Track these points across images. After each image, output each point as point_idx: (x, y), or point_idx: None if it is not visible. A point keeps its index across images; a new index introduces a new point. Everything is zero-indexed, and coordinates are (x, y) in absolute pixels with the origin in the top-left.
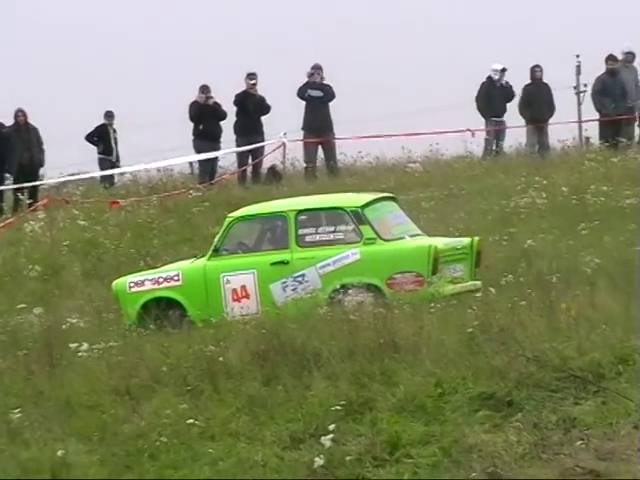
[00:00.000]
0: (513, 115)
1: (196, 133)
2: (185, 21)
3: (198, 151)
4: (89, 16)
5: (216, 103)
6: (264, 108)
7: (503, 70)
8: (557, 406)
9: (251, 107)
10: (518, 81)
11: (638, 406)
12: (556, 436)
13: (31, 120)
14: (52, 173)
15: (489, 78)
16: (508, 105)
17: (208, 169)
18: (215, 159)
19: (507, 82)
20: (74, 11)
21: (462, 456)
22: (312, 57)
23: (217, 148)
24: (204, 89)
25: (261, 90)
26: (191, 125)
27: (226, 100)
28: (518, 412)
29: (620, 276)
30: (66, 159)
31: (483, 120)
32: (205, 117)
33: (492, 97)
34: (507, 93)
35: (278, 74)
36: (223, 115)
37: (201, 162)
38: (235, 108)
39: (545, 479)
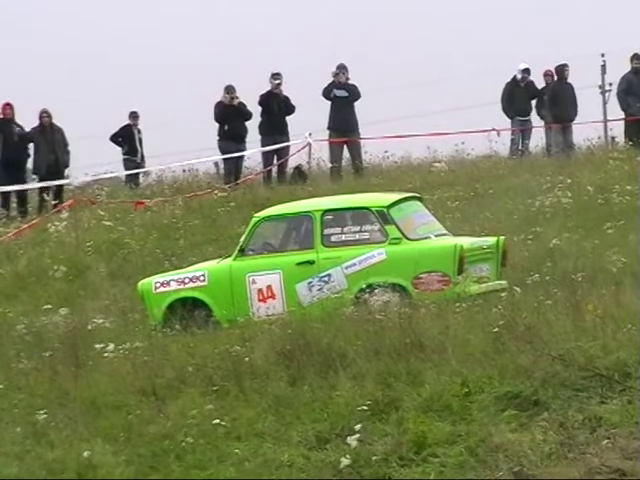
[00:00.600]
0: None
1: (221, 133)
2: (210, 21)
3: (223, 151)
4: (115, 16)
5: (241, 103)
6: (289, 108)
7: (526, 70)
8: (583, 405)
9: (276, 107)
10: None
11: None
12: (582, 435)
13: (56, 121)
14: (77, 174)
15: (513, 78)
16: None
17: (233, 169)
18: (240, 159)
19: (531, 81)
20: (100, 11)
21: (488, 455)
22: (337, 57)
23: (242, 148)
24: (229, 89)
25: (286, 90)
26: (216, 126)
27: (251, 100)
28: (544, 411)
29: None
30: (92, 160)
31: (509, 120)
32: (230, 117)
33: (516, 97)
34: (531, 92)
35: (304, 74)
36: (248, 115)
37: (226, 162)
38: (260, 108)
39: (571, 478)
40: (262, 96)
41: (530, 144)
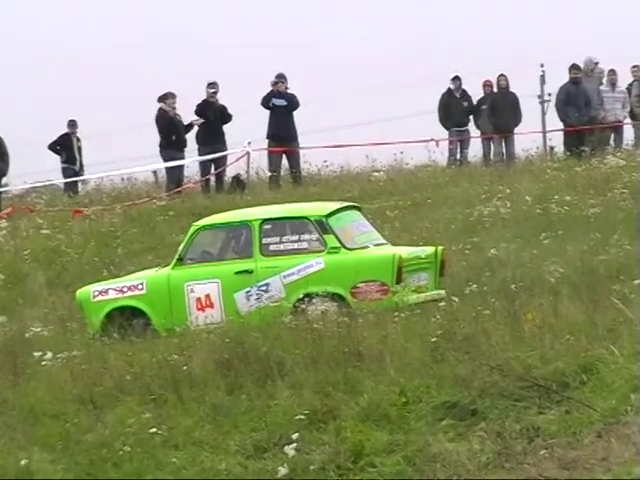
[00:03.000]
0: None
1: (163, 143)
2: (149, 28)
3: (166, 160)
4: (53, 25)
5: (177, 115)
6: (225, 117)
7: (456, 77)
8: (521, 415)
9: (212, 116)
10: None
11: (601, 415)
12: (520, 445)
13: None
14: (16, 182)
15: (448, 89)
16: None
17: (176, 178)
18: (182, 167)
19: (464, 91)
20: (35, 18)
21: (426, 465)
22: (276, 66)
23: (183, 157)
24: (168, 96)
25: (224, 99)
26: (155, 135)
27: (188, 110)
28: (482, 421)
29: (584, 285)
30: (31, 168)
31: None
32: (175, 127)
33: (452, 107)
34: (466, 102)
35: (242, 83)
36: (189, 128)
37: (170, 171)
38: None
39: None
40: (198, 105)
41: (469, 154)
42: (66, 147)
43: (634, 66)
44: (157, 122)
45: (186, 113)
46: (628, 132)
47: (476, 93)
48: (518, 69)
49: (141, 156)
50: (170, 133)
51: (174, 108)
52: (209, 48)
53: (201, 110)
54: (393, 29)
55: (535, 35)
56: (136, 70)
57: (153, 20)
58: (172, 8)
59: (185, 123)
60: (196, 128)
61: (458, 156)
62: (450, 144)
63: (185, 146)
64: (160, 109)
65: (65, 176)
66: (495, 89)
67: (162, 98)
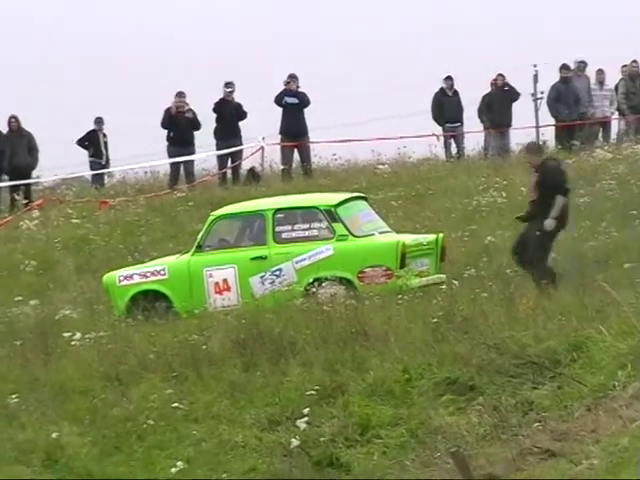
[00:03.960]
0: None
1: (167, 139)
2: (169, 30)
3: (169, 156)
4: (80, 22)
5: (191, 111)
6: (240, 114)
7: (448, 78)
8: (516, 390)
9: (228, 114)
10: (483, 88)
11: (591, 390)
12: (515, 418)
13: (27, 126)
14: (47, 175)
15: (441, 88)
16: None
17: (177, 173)
18: (190, 163)
19: (456, 90)
20: (66, 19)
21: (428, 437)
22: (288, 67)
23: (189, 152)
24: (179, 94)
25: (240, 97)
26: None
27: (207, 108)
28: (480, 396)
29: (574, 270)
30: (61, 162)
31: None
32: (175, 124)
33: (445, 105)
34: (458, 100)
35: (257, 82)
36: (196, 124)
37: (170, 166)
38: (214, 115)
39: (504, 458)
40: (216, 104)
41: (466, 148)
42: (93, 142)
43: (624, 65)
44: (161, 119)
45: (204, 110)
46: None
47: (468, 90)
48: (514, 70)
49: (163, 151)
50: (169, 130)
51: (183, 105)
52: (226, 51)
53: (218, 108)
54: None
55: (528, 37)
56: (158, 70)
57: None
58: (190, 13)
59: (197, 121)
60: (214, 124)
61: (454, 151)
62: (444, 139)
63: (189, 143)
64: (167, 107)
65: (92, 169)
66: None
67: (175, 96)
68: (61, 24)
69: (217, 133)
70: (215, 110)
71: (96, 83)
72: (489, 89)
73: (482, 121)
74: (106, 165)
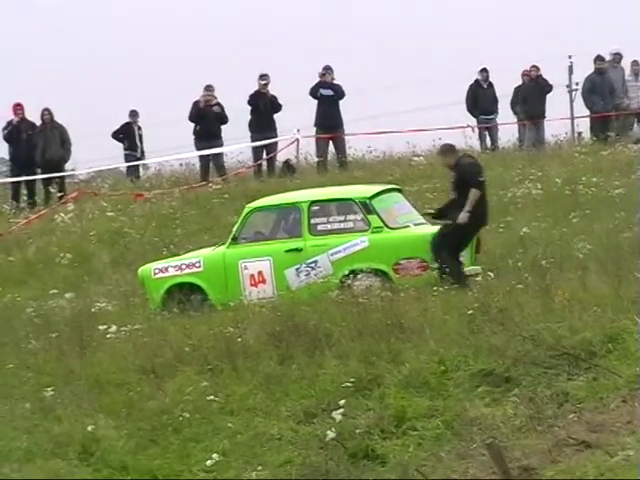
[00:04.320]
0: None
1: (194, 132)
2: (199, 23)
3: (197, 149)
4: (114, 17)
5: (219, 105)
6: (275, 107)
7: (484, 70)
8: (551, 382)
9: (262, 106)
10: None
11: (626, 381)
12: (550, 410)
13: (58, 119)
14: (82, 168)
15: (476, 80)
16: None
17: (206, 166)
18: (220, 155)
19: (491, 82)
20: (101, 16)
21: (463, 429)
22: (324, 58)
23: (217, 146)
24: (208, 88)
25: (275, 90)
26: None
27: (242, 100)
28: (515, 387)
29: (610, 261)
30: (97, 155)
31: (474, 119)
32: (202, 118)
33: (479, 97)
34: (492, 92)
35: (293, 74)
36: (224, 119)
37: (199, 159)
38: (249, 107)
39: (540, 450)
40: (251, 96)
41: (501, 139)
42: (128, 135)
43: None
44: (189, 112)
45: (238, 103)
46: None
47: (502, 82)
48: (549, 61)
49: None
50: (196, 123)
51: (211, 99)
52: (262, 43)
53: (253, 100)
54: (429, 26)
55: (563, 29)
56: (195, 63)
57: (205, 16)
58: (228, 5)
59: (224, 114)
60: (249, 117)
61: (489, 143)
62: (478, 131)
63: (215, 136)
64: (195, 100)
65: (127, 162)
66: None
67: (203, 89)
68: (97, 16)
69: (252, 125)
70: (250, 102)
71: (129, 75)
72: (523, 80)
73: (515, 113)
74: (141, 157)
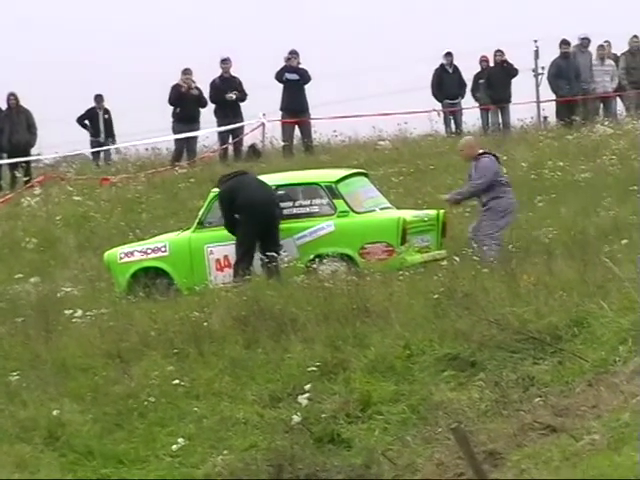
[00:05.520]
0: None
1: (174, 116)
2: (166, 5)
3: (175, 132)
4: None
5: (197, 89)
6: (202, 103)
7: (448, 54)
8: (517, 366)
9: (229, 91)
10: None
11: (592, 366)
12: (516, 394)
13: (24, 103)
14: (48, 152)
15: (441, 65)
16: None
17: (181, 149)
18: (194, 139)
19: (456, 66)
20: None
21: (429, 413)
22: (290, 42)
23: (195, 129)
24: (186, 72)
25: (241, 73)
26: (171, 108)
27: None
28: (481, 372)
29: (575, 245)
30: (62, 139)
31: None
32: (183, 101)
33: (444, 82)
34: (458, 77)
35: (258, 58)
36: (203, 102)
37: (175, 142)
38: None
39: (506, 434)
40: (215, 81)
41: (466, 124)
42: (92, 120)
43: (634, 36)
44: (169, 95)
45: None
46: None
47: (469, 67)
48: (514, 46)
49: (167, 127)
50: (176, 106)
51: (191, 83)
52: (225, 27)
53: (219, 86)
54: (393, 10)
55: (529, 13)
56: (162, 47)
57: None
58: None
59: (203, 98)
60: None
61: (453, 127)
62: (443, 115)
63: (194, 120)
64: (175, 84)
65: (92, 147)
66: (492, 64)
67: (182, 73)
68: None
69: (217, 111)
70: (215, 87)
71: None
72: (482, 66)
73: (476, 99)
74: (105, 142)
